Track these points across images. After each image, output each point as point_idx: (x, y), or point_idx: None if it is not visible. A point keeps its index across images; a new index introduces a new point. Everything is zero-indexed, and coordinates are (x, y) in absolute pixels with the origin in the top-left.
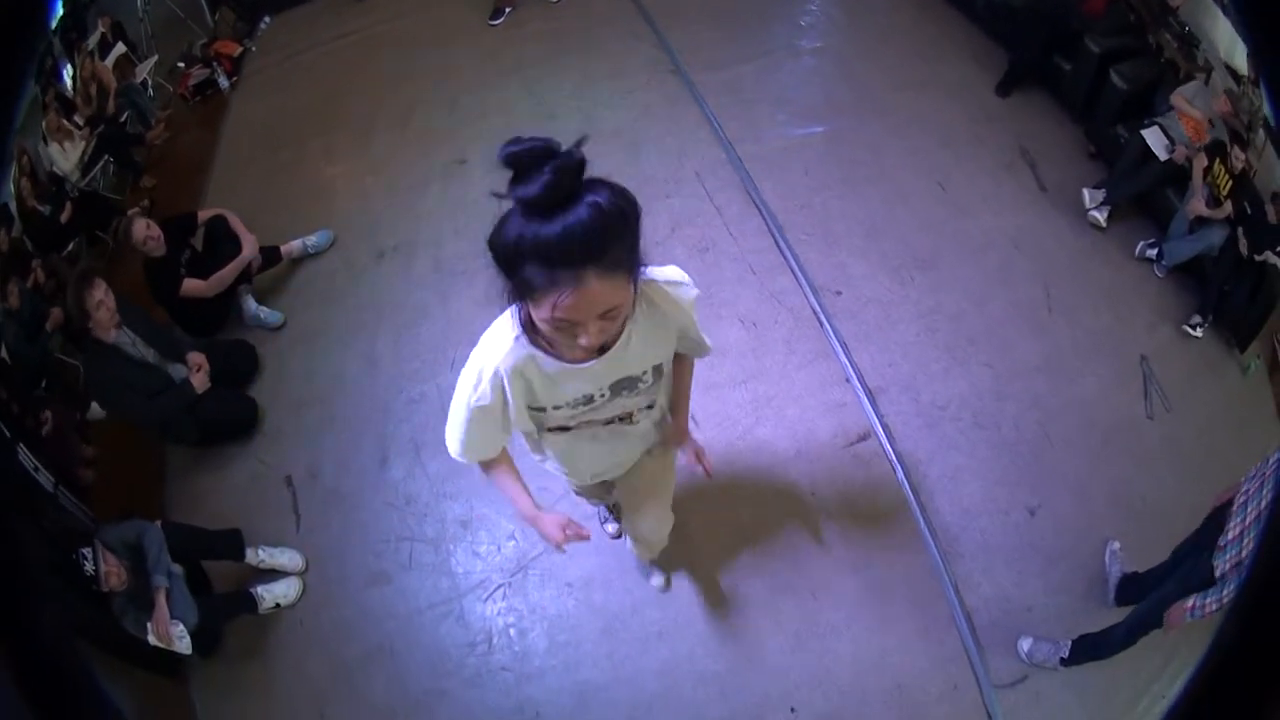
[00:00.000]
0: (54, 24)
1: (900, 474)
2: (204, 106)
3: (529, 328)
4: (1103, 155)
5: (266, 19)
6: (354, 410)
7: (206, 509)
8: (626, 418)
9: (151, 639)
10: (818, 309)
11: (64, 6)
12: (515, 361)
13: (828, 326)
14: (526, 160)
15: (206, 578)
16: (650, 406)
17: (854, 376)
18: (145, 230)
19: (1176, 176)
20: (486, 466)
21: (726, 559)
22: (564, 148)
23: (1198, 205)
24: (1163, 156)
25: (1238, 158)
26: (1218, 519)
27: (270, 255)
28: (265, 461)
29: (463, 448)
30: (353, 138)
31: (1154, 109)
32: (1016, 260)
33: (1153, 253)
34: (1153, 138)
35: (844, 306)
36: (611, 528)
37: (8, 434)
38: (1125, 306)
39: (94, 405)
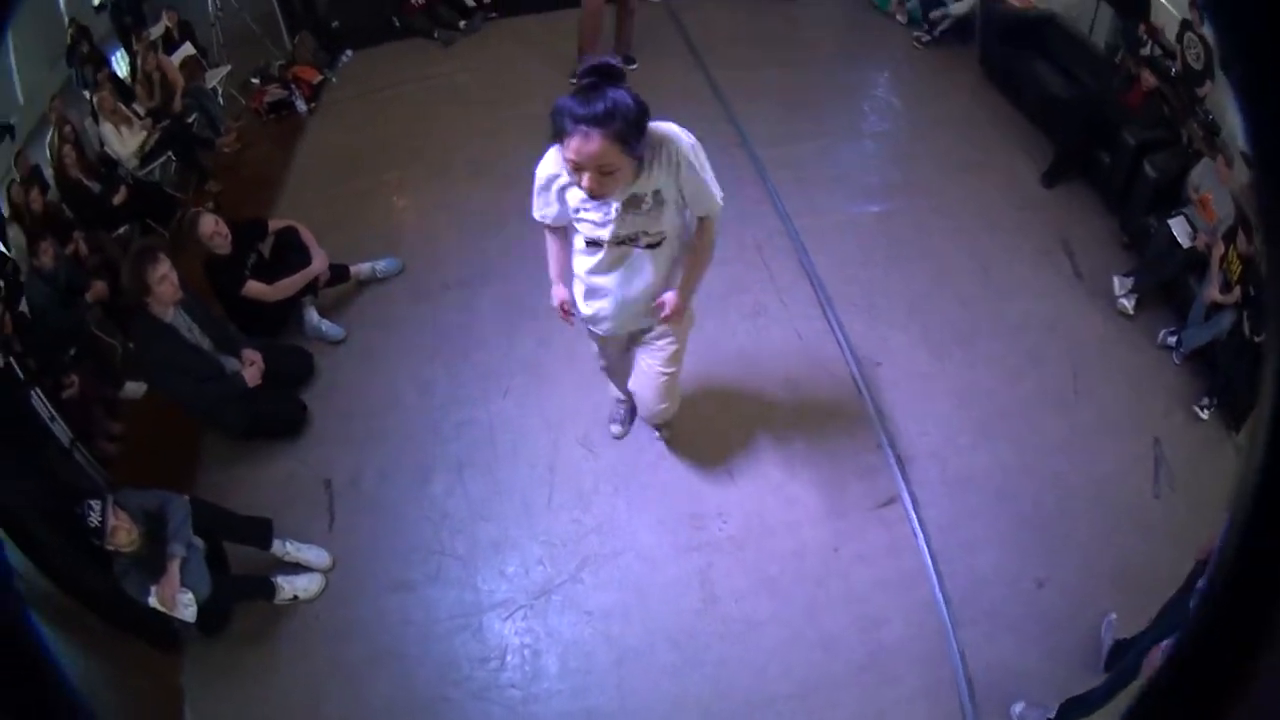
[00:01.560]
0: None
1: (921, 539)
2: (278, 125)
3: None
4: (1135, 245)
5: (349, 53)
6: (403, 426)
7: (238, 499)
8: (634, 239)
9: (152, 601)
10: (858, 378)
11: None
12: (557, 170)
13: (866, 395)
14: (592, 70)
15: (225, 559)
16: (656, 245)
17: (886, 444)
18: (214, 226)
19: (1198, 265)
20: (550, 233)
21: (746, 604)
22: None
23: (1212, 292)
24: (1185, 244)
25: (1247, 243)
26: (1198, 572)
27: (339, 272)
28: (306, 462)
29: (536, 210)
30: (427, 174)
31: (1182, 199)
32: (1049, 342)
33: (1172, 340)
34: (1178, 227)
35: (884, 376)
36: (616, 429)
37: (19, 374)
38: (1144, 390)
39: (129, 385)
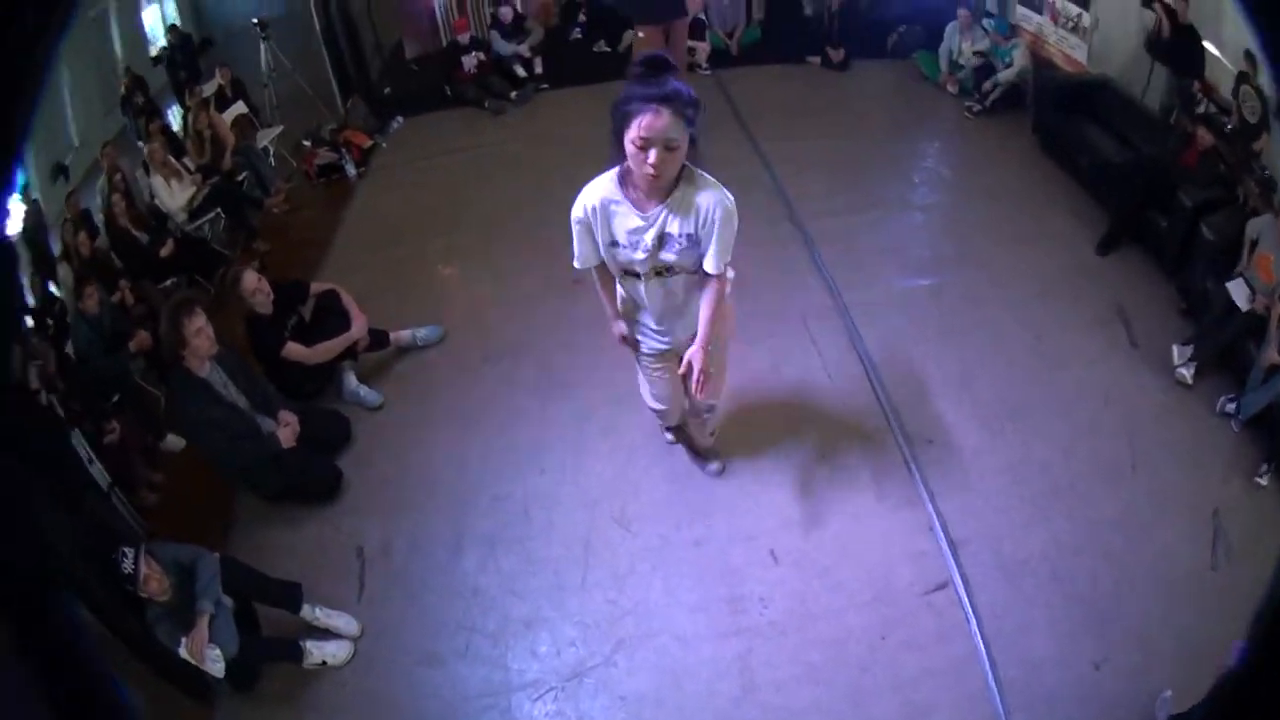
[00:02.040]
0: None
1: (974, 625)
2: (327, 188)
3: (621, 175)
4: (1193, 312)
5: (399, 119)
6: (437, 498)
7: (269, 560)
8: (667, 270)
9: (182, 652)
10: (909, 457)
11: (169, 37)
12: (601, 198)
13: (917, 475)
14: (647, 60)
15: (256, 619)
16: (693, 273)
17: (938, 527)
18: (256, 282)
19: (1258, 328)
20: (598, 276)
21: (786, 692)
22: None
23: (1271, 354)
24: (1244, 307)
25: None
26: None
27: (379, 338)
28: (339, 529)
29: (577, 256)
30: (474, 243)
31: (1239, 260)
32: (1104, 414)
33: (1231, 407)
34: (1236, 289)
35: (934, 455)
36: (670, 436)
37: (60, 414)
38: (1202, 460)
39: (170, 437)
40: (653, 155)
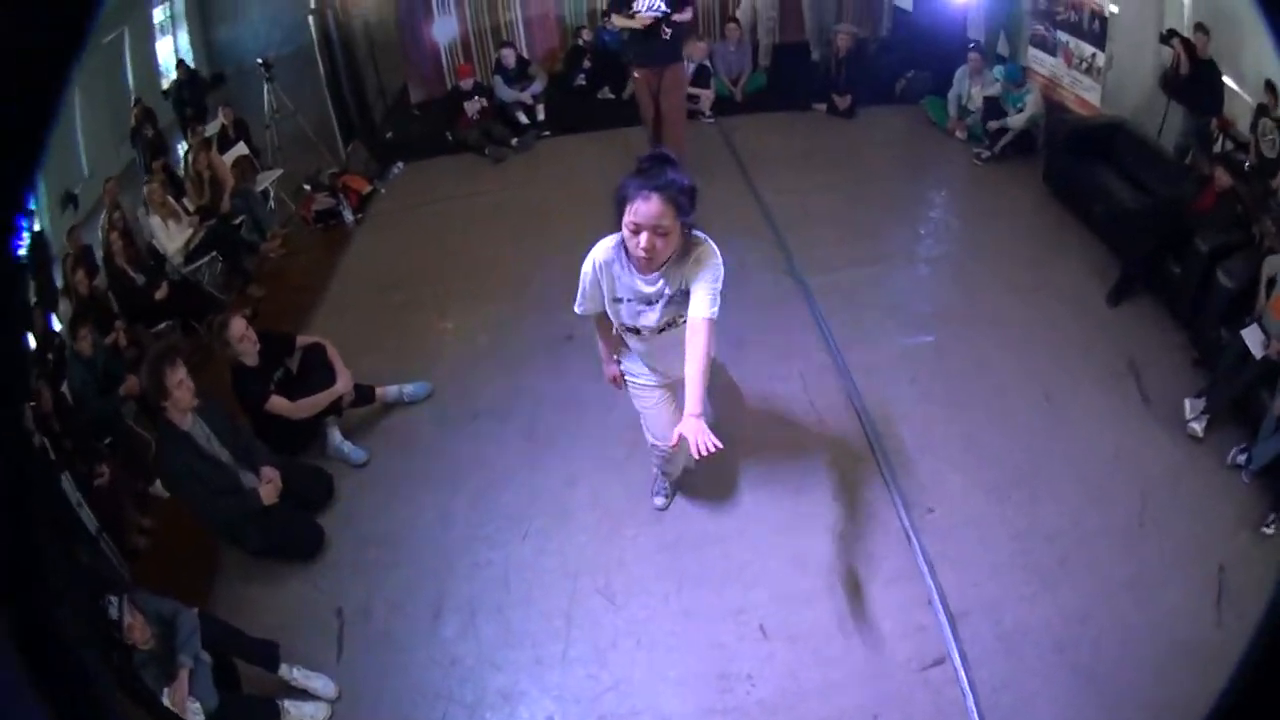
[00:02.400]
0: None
1: (970, 701)
2: (324, 234)
3: (625, 244)
4: (1206, 362)
5: (400, 165)
6: (419, 561)
7: (250, 615)
8: (669, 326)
9: (166, 701)
10: (908, 527)
11: (178, 73)
12: (606, 257)
13: (917, 546)
14: (652, 156)
15: (237, 675)
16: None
17: (937, 601)
18: (244, 330)
19: (1272, 376)
20: (596, 324)
21: None
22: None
23: None
24: (1258, 354)
25: None
26: None
27: (364, 394)
28: (319, 588)
29: (579, 303)
30: (467, 294)
31: (1257, 302)
32: (1115, 475)
33: (1242, 458)
34: (1251, 336)
35: (936, 524)
36: (660, 500)
37: (52, 455)
38: (1211, 515)
39: (159, 482)
40: (644, 239)
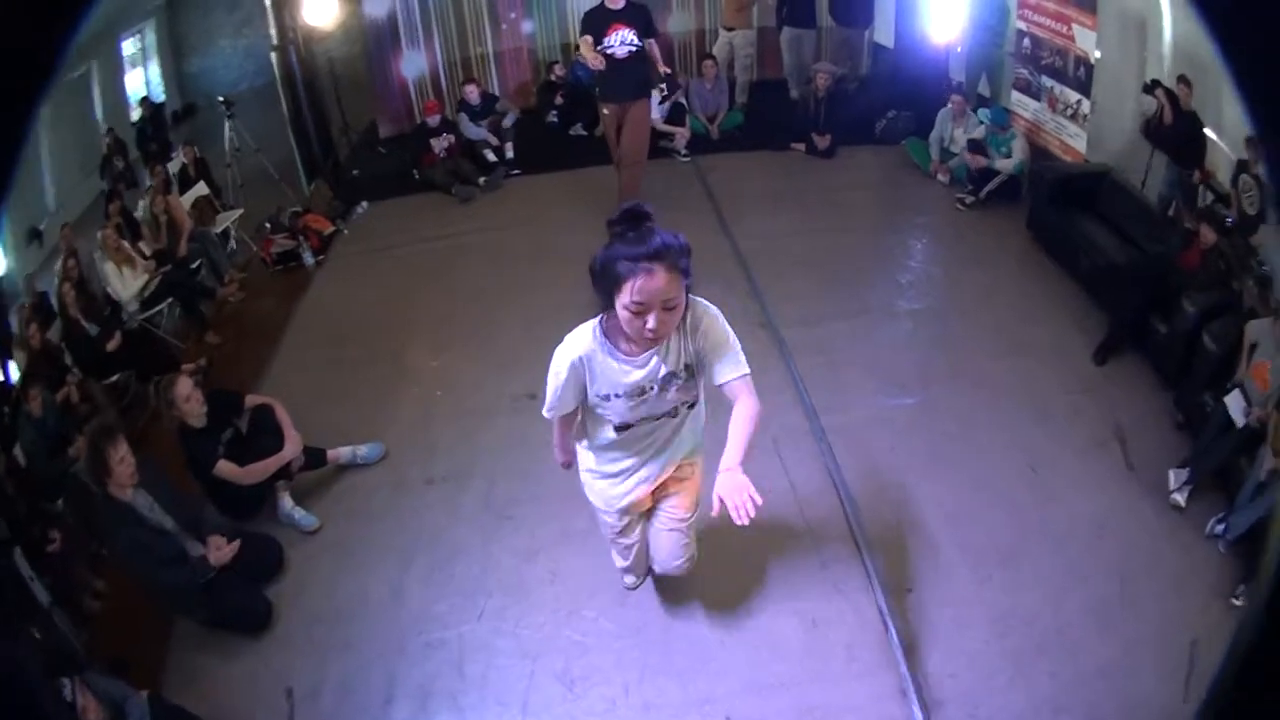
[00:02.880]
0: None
1: None
2: (285, 277)
3: (607, 329)
4: (1189, 425)
5: (364, 204)
6: (370, 639)
7: (202, 689)
8: (673, 413)
9: None
10: (884, 610)
11: (142, 109)
12: (586, 350)
13: (893, 631)
14: (625, 214)
15: None
16: (693, 405)
17: (912, 691)
18: (189, 390)
19: (1252, 444)
20: (560, 420)
21: None
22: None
23: (1270, 460)
24: (1240, 422)
25: None
26: None
27: (315, 458)
28: (269, 665)
29: (550, 409)
30: (427, 347)
31: (1239, 368)
32: (1097, 550)
33: (1220, 528)
34: (1234, 403)
35: (914, 604)
36: (630, 579)
37: (6, 531)
38: (1188, 589)
39: None
40: (652, 320)
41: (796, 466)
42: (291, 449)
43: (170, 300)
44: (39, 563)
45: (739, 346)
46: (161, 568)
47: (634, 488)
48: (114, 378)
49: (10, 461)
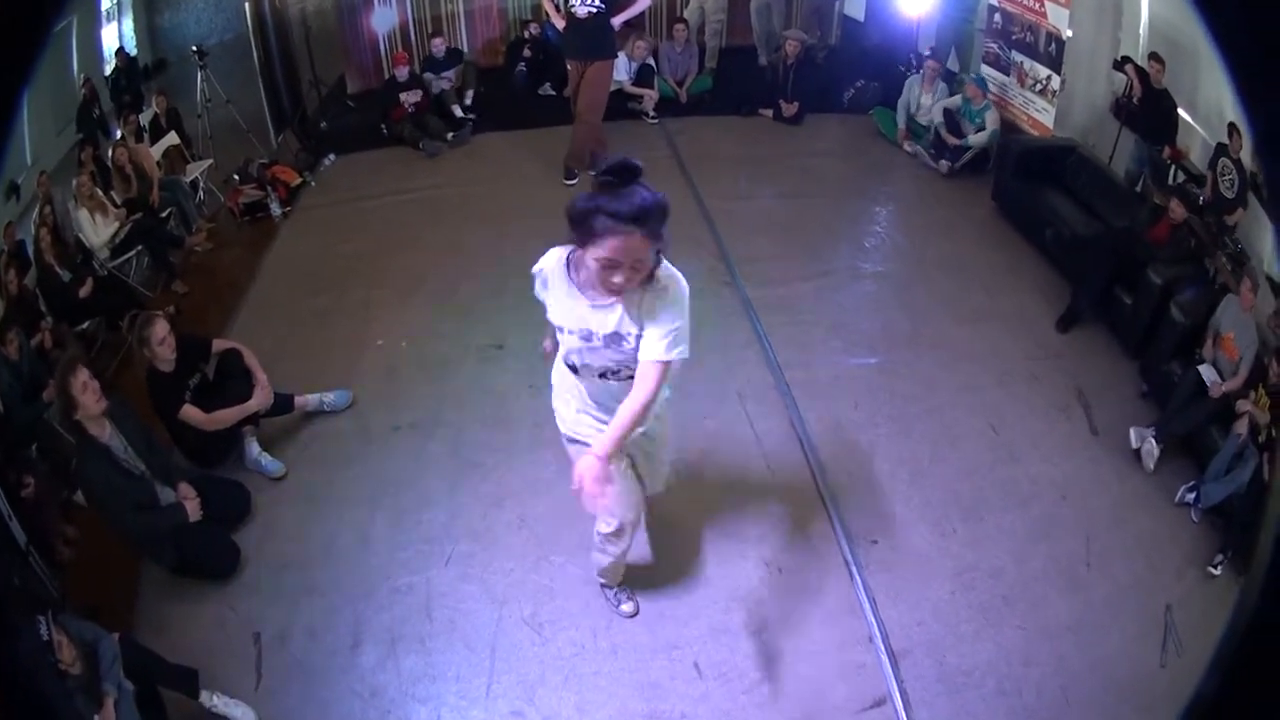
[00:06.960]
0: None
1: None
2: (252, 227)
3: (573, 262)
4: (1154, 394)
5: (331, 156)
6: (337, 584)
7: (172, 637)
8: (612, 374)
9: None
10: (850, 560)
11: (116, 61)
12: (551, 268)
13: (859, 580)
14: (615, 167)
15: (161, 703)
16: (631, 378)
17: (879, 638)
18: (165, 332)
19: (1224, 415)
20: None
21: None
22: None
23: (1243, 425)
24: (1214, 394)
25: (1276, 373)
26: None
27: (283, 403)
28: (236, 610)
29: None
30: (395, 298)
31: (1205, 344)
32: (1061, 510)
33: (1191, 496)
34: (1207, 373)
35: (879, 557)
36: (628, 606)
37: None
38: (1159, 554)
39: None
40: (619, 276)
41: (761, 419)
42: (260, 398)
43: (139, 248)
44: (13, 502)
45: (682, 334)
46: (134, 512)
47: (579, 422)
48: (85, 324)
49: None
